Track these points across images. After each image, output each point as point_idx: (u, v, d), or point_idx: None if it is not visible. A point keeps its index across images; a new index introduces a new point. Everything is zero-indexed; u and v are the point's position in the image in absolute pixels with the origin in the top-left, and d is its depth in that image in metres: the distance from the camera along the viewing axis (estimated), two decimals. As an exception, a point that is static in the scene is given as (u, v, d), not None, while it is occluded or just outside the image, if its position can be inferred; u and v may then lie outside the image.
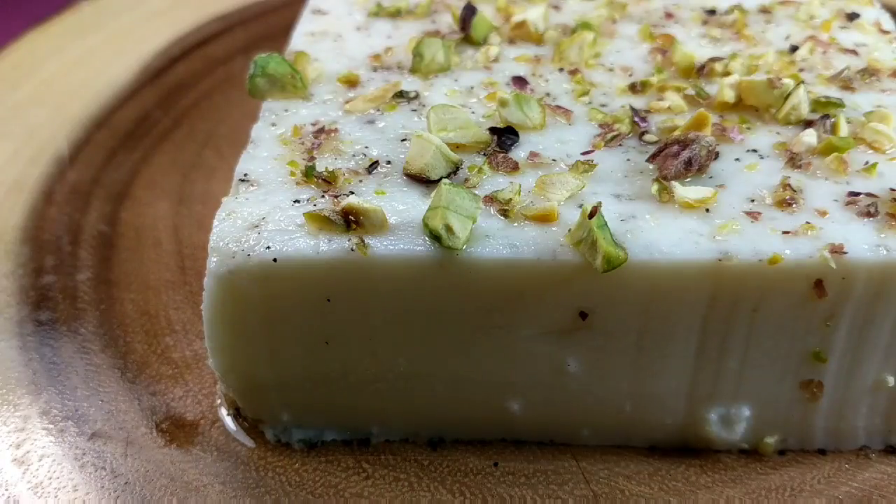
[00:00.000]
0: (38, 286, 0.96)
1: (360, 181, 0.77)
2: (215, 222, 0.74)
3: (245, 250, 0.71)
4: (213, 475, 0.79)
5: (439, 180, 0.75)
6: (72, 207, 1.07)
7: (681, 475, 0.80)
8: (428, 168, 0.76)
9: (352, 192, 0.75)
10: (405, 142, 0.82)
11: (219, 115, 1.23)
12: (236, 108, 1.22)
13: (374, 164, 0.78)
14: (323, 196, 0.75)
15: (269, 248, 0.71)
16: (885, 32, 1.00)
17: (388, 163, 0.79)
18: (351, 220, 0.72)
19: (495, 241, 0.71)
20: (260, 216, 0.74)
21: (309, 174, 0.77)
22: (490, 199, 0.74)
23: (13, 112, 1.20)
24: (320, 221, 0.72)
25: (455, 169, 0.77)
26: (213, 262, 0.72)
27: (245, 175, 0.79)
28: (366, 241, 0.71)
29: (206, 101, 1.26)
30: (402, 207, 0.74)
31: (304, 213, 0.73)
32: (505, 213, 0.73)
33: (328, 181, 0.77)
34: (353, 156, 0.80)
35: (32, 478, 0.78)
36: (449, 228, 0.69)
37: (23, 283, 0.96)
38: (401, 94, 0.88)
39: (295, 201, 0.75)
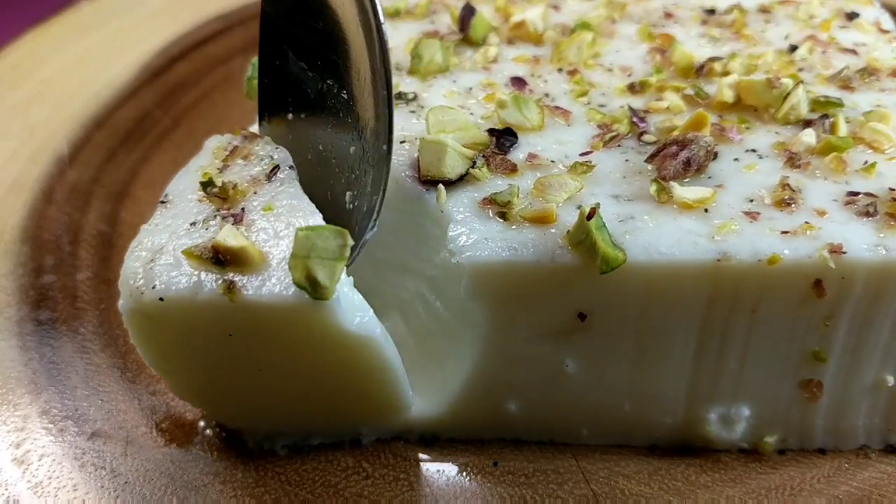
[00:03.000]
0: (38, 286, 0.96)
1: (255, 192, 0.75)
2: (126, 255, 0.73)
3: (139, 287, 0.70)
4: (213, 475, 0.79)
5: (459, 180, 0.76)
6: (72, 207, 1.07)
7: (681, 475, 0.80)
8: (447, 169, 0.76)
9: (242, 209, 0.73)
10: (404, 143, 0.82)
11: (219, 114, 1.23)
12: (236, 107, 1.22)
13: (275, 169, 0.76)
14: (216, 215, 0.73)
15: (154, 287, 0.69)
16: (885, 32, 1.00)
17: (291, 167, 0.77)
18: (221, 259, 0.69)
19: (494, 243, 0.71)
20: (159, 246, 0.72)
21: (205, 190, 0.75)
22: (489, 202, 0.74)
23: (13, 112, 1.20)
24: (196, 259, 0.69)
25: (472, 164, 0.77)
26: (120, 299, 0.71)
27: (166, 195, 0.78)
28: (236, 283, 0.68)
29: (206, 101, 1.26)
30: (283, 230, 0.71)
31: (181, 252, 0.70)
32: (503, 216, 0.73)
33: (222, 197, 0.75)
34: (262, 159, 0.78)
35: (32, 477, 0.78)
36: (313, 280, 0.66)
37: (22, 283, 0.96)
38: (399, 96, 0.88)
39: (191, 224, 0.73)
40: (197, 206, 0.75)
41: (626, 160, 0.79)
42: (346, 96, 0.73)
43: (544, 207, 0.73)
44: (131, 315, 0.71)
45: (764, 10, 1.05)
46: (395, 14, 1.05)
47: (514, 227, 0.72)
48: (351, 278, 0.71)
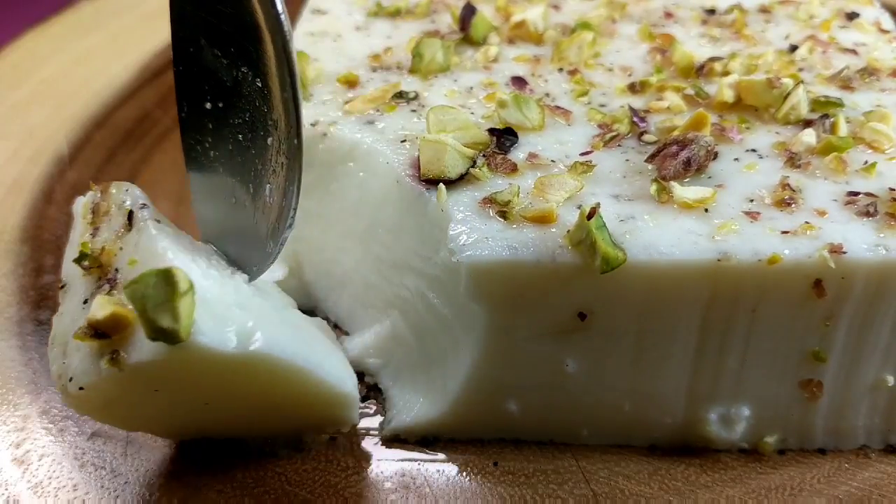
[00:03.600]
0: (38, 286, 0.96)
1: (121, 248, 0.71)
2: (49, 354, 0.72)
3: (64, 384, 0.69)
4: (213, 475, 0.79)
5: (459, 179, 0.76)
6: (72, 207, 1.07)
7: (681, 475, 0.80)
8: (447, 168, 0.76)
9: (116, 271, 0.69)
10: (405, 143, 0.82)
11: (218, 114, 1.23)
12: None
13: (130, 216, 0.72)
14: (100, 286, 0.70)
15: (71, 379, 0.68)
16: (885, 32, 1.00)
17: (143, 206, 0.73)
18: (101, 333, 0.65)
19: (494, 242, 0.71)
20: (65, 336, 0.70)
21: (80, 265, 0.72)
22: (489, 201, 0.74)
23: (13, 112, 1.20)
24: (87, 340, 0.66)
25: (472, 164, 0.77)
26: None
27: (62, 279, 0.75)
28: (119, 352, 0.65)
29: (205, 101, 1.26)
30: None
31: (73, 336, 0.67)
32: (504, 215, 0.73)
33: (97, 266, 0.71)
34: (119, 208, 0.74)
35: (32, 477, 0.78)
36: (160, 329, 0.62)
37: (23, 283, 0.96)
38: (400, 95, 0.88)
39: (84, 303, 0.70)
40: (83, 283, 0.72)
41: (627, 160, 0.79)
42: (259, 84, 0.69)
43: (545, 207, 0.73)
44: (73, 407, 0.72)
45: (764, 10, 1.05)
46: (395, 13, 1.05)
47: (514, 226, 0.72)
48: (209, 298, 0.66)
